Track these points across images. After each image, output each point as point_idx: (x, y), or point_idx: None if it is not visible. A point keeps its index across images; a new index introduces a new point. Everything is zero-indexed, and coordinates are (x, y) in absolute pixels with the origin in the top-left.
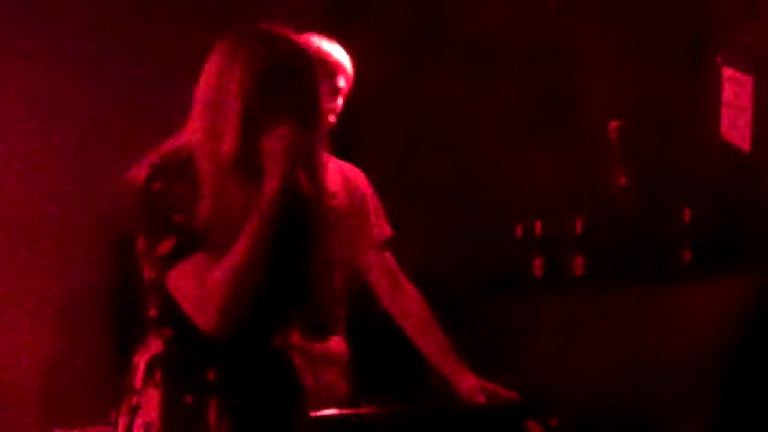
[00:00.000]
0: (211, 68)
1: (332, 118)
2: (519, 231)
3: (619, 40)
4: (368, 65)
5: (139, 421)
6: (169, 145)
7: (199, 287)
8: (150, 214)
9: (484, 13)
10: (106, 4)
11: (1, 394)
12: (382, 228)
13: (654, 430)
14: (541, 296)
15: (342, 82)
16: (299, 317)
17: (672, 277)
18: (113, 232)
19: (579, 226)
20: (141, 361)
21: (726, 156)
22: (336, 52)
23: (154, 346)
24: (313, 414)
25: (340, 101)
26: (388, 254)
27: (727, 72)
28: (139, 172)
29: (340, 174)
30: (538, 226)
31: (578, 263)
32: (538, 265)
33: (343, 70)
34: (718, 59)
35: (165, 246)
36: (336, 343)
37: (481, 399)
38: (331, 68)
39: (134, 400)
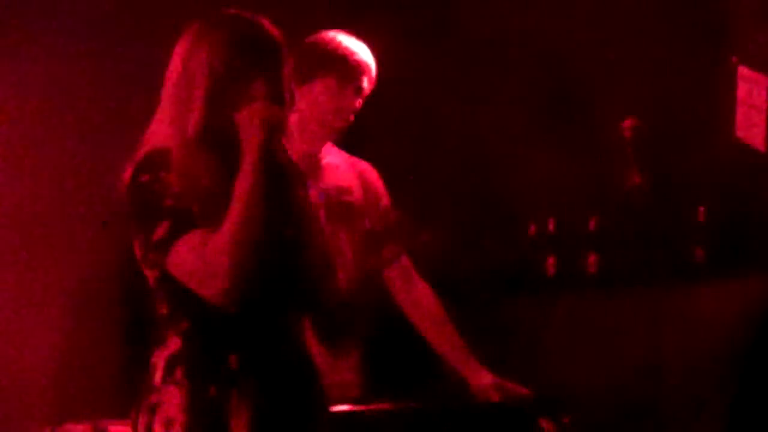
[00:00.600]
0: (178, 50)
1: (351, 116)
2: (532, 229)
3: (634, 39)
4: (382, 58)
5: (159, 418)
6: (147, 135)
7: (200, 259)
8: (141, 206)
9: (498, 11)
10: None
11: (14, 389)
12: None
13: (667, 429)
14: (554, 294)
15: (366, 83)
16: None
17: (686, 276)
18: (124, 225)
19: (592, 224)
20: (160, 360)
21: (741, 155)
22: (362, 52)
23: (173, 344)
24: None
25: (360, 100)
26: (401, 251)
27: (743, 71)
28: (126, 171)
29: (354, 170)
30: (552, 224)
31: (591, 261)
32: (551, 263)
33: (369, 71)
34: (734, 58)
35: (160, 230)
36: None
37: (495, 396)
38: (356, 68)
39: (154, 398)
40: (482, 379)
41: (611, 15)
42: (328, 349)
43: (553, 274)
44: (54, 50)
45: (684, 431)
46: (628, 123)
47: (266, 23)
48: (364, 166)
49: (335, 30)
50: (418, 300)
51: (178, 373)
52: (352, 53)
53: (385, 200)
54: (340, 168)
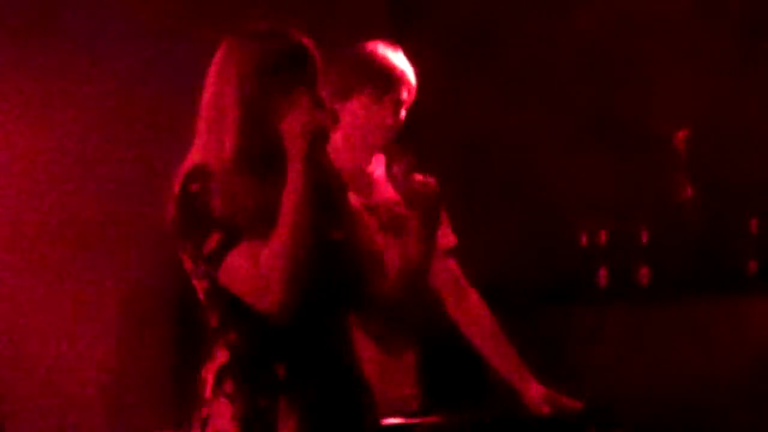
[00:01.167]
0: (212, 71)
1: (394, 128)
2: (584, 240)
3: (686, 48)
4: (428, 73)
5: (210, 430)
6: (191, 154)
7: (254, 271)
8: (191, 217)
9: (546, 18)
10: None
11: (64, 402)
12: (446, 236)
13: None
14: (606, 306)
15: (404, 94)
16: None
17: (737, 289)
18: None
19: (644, 236)
20: (209, 373)
21: None
22: (400, 62)
23: (221, 356)
24: None
25: (402, 111)
26: (452, 262)
27: None
28: (174, 183)
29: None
30: (603, 236)
31: (643, 273)
32: (602, 275)
33: (408, 82)
34: None
35: (212, 241)
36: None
37: (546, 408)
38: (392, 80)
39: (204, 411)
40: (533, 391)
41: (664, 24)
42: (382, 354)
43: (605, 286)
44: (102, 61)
45: None
46: (680, 134)
47: (296, 34)
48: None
49: (373, 41)
50: (469, 310)
51: (228, 386)
52: (388, 65)
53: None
54: (388, 186)
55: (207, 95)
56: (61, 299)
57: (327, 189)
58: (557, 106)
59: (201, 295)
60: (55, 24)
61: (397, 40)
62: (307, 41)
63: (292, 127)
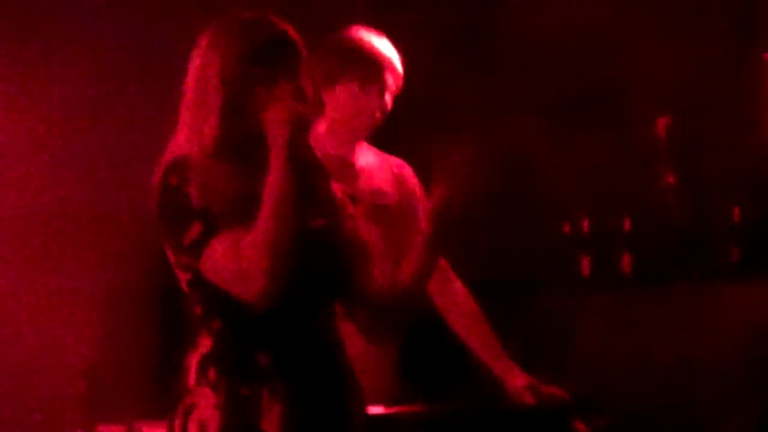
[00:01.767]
0: (193, 60)
1: (380, 116)
2: (566, 228)
3: (668, 36)
4: (411, 59)
5: (193, 419)
6: (170, 144)
7: (236, 260)
8: (171, 208)
9: (529, 8)
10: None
11: (48, 391)
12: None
13: (701, 429)
14: (589, 294)
15: (390, 80)
16: (350, 312)
17: (720, 276)
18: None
19: (627, 224)
20: (192, 362)
21: None
22: (384, 48)
23: (205, 345)
24: None
25: (388, 98)
26: None
27: None
28: (154, 176)
29: (389, 170)
30: (586, 224)
31: (626, 261)
32: (585, 263)
33: (392, 67)
34: (767, 56)
35: (192, 232)
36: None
37: (529, 398)
38: (377, 67)
39: (188, 399)
40: (517, 380)
41: (644, 13)
42: (364, 342)
43: (588, 274)
44: (83, 56)
45: None
46: (661, 122)
47: (279, 23)
48: (400, 164)
49: (357, 27)
50: (454, 298)
51: (211, 374)
52: (372, 52)
53: (421, 200)
54: (375, 169)
55: (190, 82)
56: (44, 289)
57: (309, 178)
58: (540, 94)
59: (184, 286)
60: (40, 15)
61: (381, 26)
62: (291, 31)
63: (275, 116)
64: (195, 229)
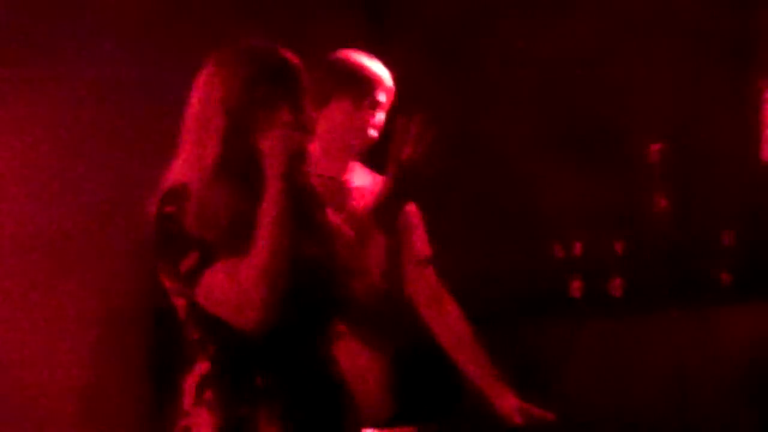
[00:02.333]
0: (196, 86)
1: (373, 133)
2: (558, 251)
3: (662, 63)
4: (406, 79)
5: None
6: (169, 171)
7: (232, 289)
8: (167, 237)
9: (524, 33)
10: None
11: (40, 416)
12: (423, 245)
13: None
14: (580, 317)
15: (382, 97)
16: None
17: (712, 300)
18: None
19: (619, 248)
20: (189, 383)
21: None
22: (374, 66)
23: (202, 367)
24: None
25: (380, 116)
26: (429, 270)
27: None
28: (150, 204)
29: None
30: (578, 247)
31: (617, 285)
32: (576, 287)
33: (382, 85)
34: (761, 83)
35: (187, 261)
36: (377, 361)
37: (520, 420)
38: (369, 85)
39: (184, 422)
40: (507, 402)
41: (639, 39)
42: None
43: (579, 297)
44: (84, 76)
45: None
46: (655, 147)
47: (284, 51)
48: None
49: (350, 49)
50: (446, 319)
51: (208, 396)
52: (364, 70)
53: (413, 220)
54: (367, 190)
55: (192, 107)
56: (38, 309)
57: (304, 206)
58: (533, 118)
59: (180, 312)
60: (39, 36)
61: (375, 46)
62: (295, 59)
63: (272, 145)
64: (191, 259)
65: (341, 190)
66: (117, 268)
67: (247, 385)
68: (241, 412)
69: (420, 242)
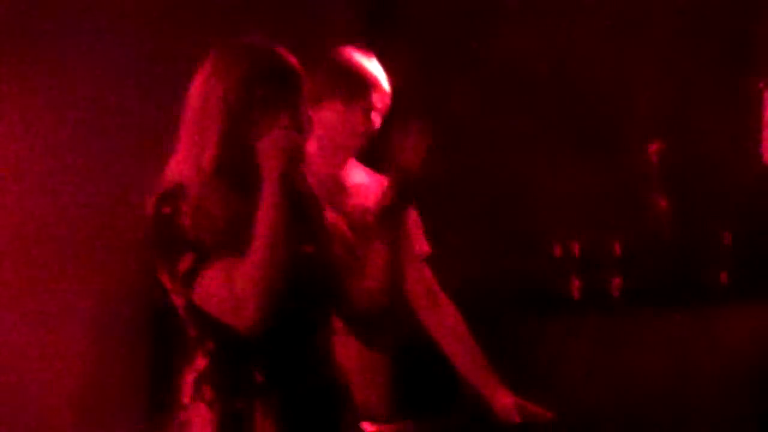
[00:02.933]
0: (194, 85)
1: (367, 135)
2: (557, 251)
3: (661, 63)
4: (406, 80)
5: None
6: (167, 170)
7: (227, 291)
8: (164, 238)
9: (524, 33)
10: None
11: (38, 405)
12: (420, 243)
13: None
14: (579, 317)
15: (375, 99)
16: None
17: (710, 300)
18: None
19: (617, 248)
20: (187, 378)
21: (766, 179)
22: (373, 68)
23: (200, 362)
24: None
25: (375, 117)
26: (426, 269)
27: None
28: (147, 204)
29: (379, 189)
30: (577, 247)
31: (616, 285)
32: (575, 286)
33: (380, 88)
34: (761, 84)
35: (185, 262)
36: (375, 356)
37: (517, 417)
38: (361, 86)
39: (182, 416)
40: (504, 400)
41: (638, 39)
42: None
43: (578, 297)
44: (83, 72)
45: None
46: (654, 147)
47: (282, 52)
48: None
49: (346, 48)
50: (442, 318)
51: (206, 391)
52: (357, 71)
53: (410, 219)
54: (365, 188)
55: (191, 105)
56: (38, 304)
57: (300, 205)
58: (532, 117)
59: (180, 311)
60: (38, 29)
61: (373, 45)
62: (293, 60)
63: (269, 146)
64: (187, 260)
65: (339, 188)
66: (117, 265)
67: (245, 380)
68: (238, 408)
69: (417, 240)
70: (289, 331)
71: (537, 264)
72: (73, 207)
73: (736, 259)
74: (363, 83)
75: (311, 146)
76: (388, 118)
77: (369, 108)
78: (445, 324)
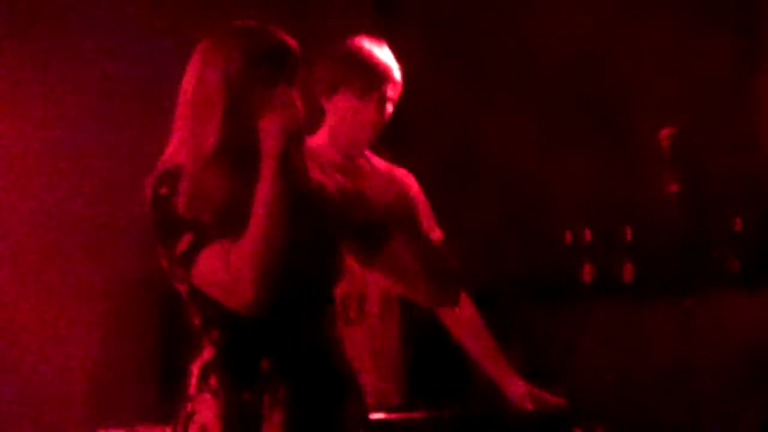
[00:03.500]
0: (192, 67)
1: (379, 125)
2: (568, 238)
3: (672, 48)
4: (414, 69)
5: (194, 426)
6: (165, 154)
7: (225, 270)
8: (162, 219)
9: (533, 23)
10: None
11: (48, 395)
12: (432, 230)
13: None
14: (590, 303)
15: (389, 90)
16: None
17: (721, 286)
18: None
19: (629, 234)
20: (194, 369)
21: None
22: (386, 58)
23: (206, 352)
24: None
25: (388, 107)
26: None
27: None
28: (146, 186)
29: (392, 179)
30: (588, 233)
31: (627, 270)
32: (587, 272)
33: (393, 78)
34: None
35: (183, 243)
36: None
37: (529, 405)
38: (376, 77)
39: (189, 406)
40: (517, 387)
41: (648, 24)
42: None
43: (589, 283)
44: (82, 57)
45: None
46: (665, 132)
47: (279, 32)
48: (403, 174)
49: (359, 36)
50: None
51: (212, 381)
52: (372, 61)
53: (421, 208)
54: (377, 177)
55: (189, 89)
56: (45, 292)
57: (300, 187)
58: (542, 103)
59: (183, 296)
60: (40, 20)
61: (382, 35)
62: (289, 39)
63: (270, 125)
64: (185, 240)
65: (350, 176)
66: (125, 249)
67: (251, 370)
68: (244, 397)
69: (429, 228)
70: (293, 316)
71: (549, 250)
72: (81, 196)
73: (746, 244)
74: (378, 74)
75: (323, 135)
76: (400, 107)
77: (383, 98)
78: (458, 312)
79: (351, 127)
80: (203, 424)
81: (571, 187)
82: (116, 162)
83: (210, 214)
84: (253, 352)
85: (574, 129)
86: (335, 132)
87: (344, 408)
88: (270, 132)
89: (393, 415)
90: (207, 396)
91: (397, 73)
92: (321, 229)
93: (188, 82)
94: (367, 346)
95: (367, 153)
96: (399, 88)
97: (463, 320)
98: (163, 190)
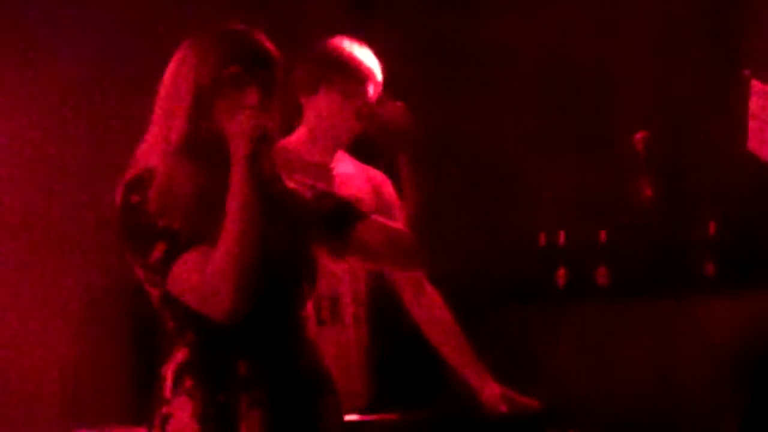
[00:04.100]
0: (169, 67)
1: (359, 126)
2: (542, 240)
3: (646, 52)
4: (391, 67)
5: (171, 429)
6: (137, 155)
7: (200, 279)
8: (134, 227)
9: (510, 23)
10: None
11: (22, 396)
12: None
13: None
14: (564, 306)
15: (371, 90)
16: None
17: (695, 289)
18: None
19: (603, 237)
20: (168, 371)
21: (752, 169)
22: (366, 58)
23: (180, 354)
24: None
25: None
26: None
27: (755, 85)
28: (116, 194)
29: (366, 180)
30: (562, 236)
31: (602, 273)
32: (561, 275)
33: (374, 78)
34: (746, 72)
35: (157, 252)
36: (359, 347)
37: (503, 407)
38: (359, 77)
39: (165, 409)
40: (491, 390)
41: (624, 28)
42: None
43: (563, 286)
44: (65, 56)
45: None
46: (639, 136)
47: (258, 35)
48: (377, 174)
49: (340, 36)
50: (429, 308)
51: (188, 383)
52: (354, 62)
53: (397, 210)
54: (352, 177)
55: (163, 90)
56: (21, 295)
57: (270, 190)
58: (518, 105)
59: (155, 302)
60: (19, 17)
61: (362, 35)
62: (269, 44)
63: (237, 128)
64: (159, 249)
65: (326, 176)
66: (101, 251)
67: (227, 371)
68: (221, 399)
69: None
70: (267, 319)
71: (522, 253)
72: (57, 201)
73: (721, 248)
74: (361, 76)
75: (301, 134)
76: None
77: (365, 98)
78: (431, 313)
79: (331, 126)
80: (180, 427)
81: (546, 190)
82: (93, 167)
83: (183, 220)
84: (227, 355)
85: (549, 132)
86: (315, 131)
87: (320, 409)
88: (235, 134)
89: (366, 417)
90: (183, 398)
91: (379, 74)
92: (294, 231)
93: (164, 80)
94: (335, 346)
95: (343, 153)
96: (380, 89)
97: (436, 321)
98: (135, 198)
